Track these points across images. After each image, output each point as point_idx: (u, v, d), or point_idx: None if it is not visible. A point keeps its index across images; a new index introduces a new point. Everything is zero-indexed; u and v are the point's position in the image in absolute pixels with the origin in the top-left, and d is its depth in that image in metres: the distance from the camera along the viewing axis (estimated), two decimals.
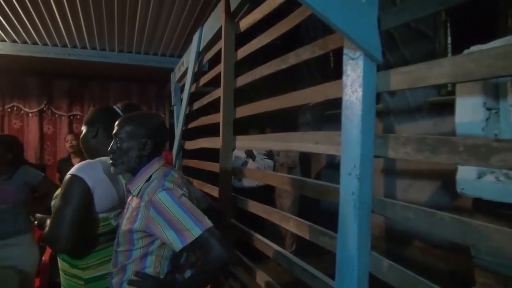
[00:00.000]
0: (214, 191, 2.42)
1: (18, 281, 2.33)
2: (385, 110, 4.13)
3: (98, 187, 1.45)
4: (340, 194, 1.12)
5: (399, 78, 1.02)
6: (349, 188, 1.08)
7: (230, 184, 2.23)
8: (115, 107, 1.77)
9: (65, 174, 1.48)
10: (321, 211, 4.48)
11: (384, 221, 3.89)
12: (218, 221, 1.31)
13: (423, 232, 3.39)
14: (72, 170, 1.46)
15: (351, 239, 1.07)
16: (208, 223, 1.22)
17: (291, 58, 1.58)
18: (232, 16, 2.12)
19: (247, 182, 4.33)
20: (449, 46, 3.57)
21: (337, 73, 1.18)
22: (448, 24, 3.57)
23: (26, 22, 2.96)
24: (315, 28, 5.33)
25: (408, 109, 3.90)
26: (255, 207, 1.91)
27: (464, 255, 2.99)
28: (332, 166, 5.22)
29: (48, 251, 3.07)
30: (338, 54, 1.22)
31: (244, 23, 2.05)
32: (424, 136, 0.94)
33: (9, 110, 4.59)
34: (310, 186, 1.45)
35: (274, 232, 4.37)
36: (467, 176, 1.50)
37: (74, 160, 4.14)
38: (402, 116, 3.99)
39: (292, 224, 1.54)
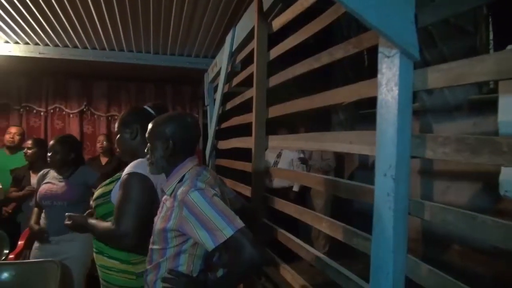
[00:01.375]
0: (246, 191, 2.43)
1: (60, 273, 2.44)
2: (422, 109, 4.01)
3: (159, 182, 1.49)
4: (374, 195, 1.10)
5: (438, 76, 0.98)
6: (384, 189, 1.05)
7: (262, 184, 2.23)
8: (146, 107, 1.80)
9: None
10: (354, 212, 4.40)
11: (420, 223, 3.78)
12: (251, 222, 1.32)
13: (463, 236, 3.27)
14: (130, 169, 1.50)
15: (386, 241, 1.05)
16: (240, 224, 1.22)
17: (324, 57, 1.56)
18: (264, 16, 2.12)
19: (279, 182, 4.32)
20: (491, 42, 3.41)
21: (371, 72, 1.16)
22: (490, 19, 3.41)
23: (68, 26, 3.09)
24: (349, 26, 5.24)
25: (447, 108, 3.76)
26: (288, 207, 1.90)
27: (507, 260, 2.86)
28: (366, 166, 5.12)
29: None
30: (372, 52, 1.19)
31: (277, 23, 2.05)
32: (464, 136, 0.90)
33: (51, 111, 4.80)
34: (343, 186, 1.43)
35: (306, 233, 4.34)
36: (511, 177, 1.42)
37: (102, 159, 4.31)
38: (440, 115, 3.85)
39: (325, 225, 1.52)
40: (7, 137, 3.95)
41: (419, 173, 4.00)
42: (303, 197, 4.47)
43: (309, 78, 1.88)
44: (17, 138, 3.96)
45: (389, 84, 1.05)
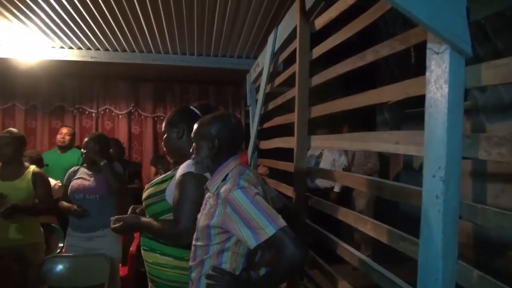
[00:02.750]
0: (288, 191, 2.42)
1: (109, 267, 2.56)
2: (474, 107, 3.81)
3: None
4: (422, 197, 1.06)
5: (492, 72, 0.93)
6: (433, 191, 1.01)
7: (305, 184, 2.22)
8: (192, 107, 1.83)
9: (160, 169, 1.58)
10: (398, 214, 4.27)
11: (472, 227, 3.59)
12: (293, 221, 1.31)
13: None
14: (184, 169, 1.55)
15: (435, 246, 1.01)
16: (282, 223, 1.22)
17: (369, 55, 1.53)
18: (307, 15, 2.10)
19: (321, 183, 4.27)
20: None
21: (418, 69, 1.12)
22: None
23: (117, 31, 3.23)
24: (394, 22, 5.08)
25: (501, 106, 3.54)
26: (330, 208, 1.87)
27: None
28: (412, 167, 4.94)
29: (135, 242, 3.31)
30: (420, 49, 1.15)
31: (320, 22, 2.02)
32: None
33: (102, 112, 5.04)
34: (388, 188, 1.38)
35: (349, 235, 4.26)
36: None
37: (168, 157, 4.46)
38: (494, 114, 3.64)
39: (369, 227, 1.48)
40: (59, 137, 4.21)
41: (470, 175, 3.81)
42: (344, 198, 4.39)
43: (352, 77, 1.84)
44: (67, 138, 4.21)
45: (438, 82, 1.01)
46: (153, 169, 4.56)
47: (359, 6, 1.62)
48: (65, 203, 2.77)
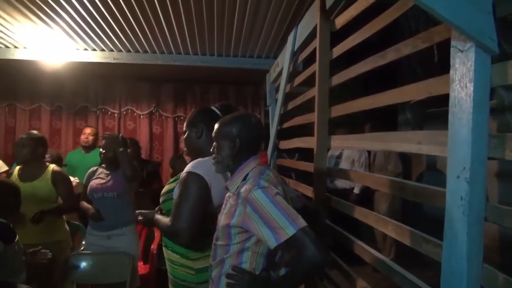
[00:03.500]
0: (308, 191, 2.41)
1: (130, 265, 2.61)
2: (500, 106, 3.69)
3: (214, 182, 1.55)
4: (446, 199, 1.04)
5: None
6: (457, 193, 0.99)
7: (324, 185, 2.20)
8: (213, 107, 1.85)
9: (177, 170, 1.61)
10: (423, 215, 4.18)
11: (497, 229, 3.48)
12: (313, 222, 1.30)
13: None
14: (188, 168, 1.57)
15: (459, 248, 0.98)
16: (302, 223, 1.22)
17: (390, 54, 1.50)
18: (327, 14, 2.09)
19: (340, 183, 4.23)
20: None
21: (442, 68, 1.09)
22: None
23: (139, 33, 3.28)
24: (417, 19, 4.98)
25: None
26: (351, 209, 1.85)
27: None
28: (435, 168, 4.84)
29: (156, 240, 3.36)
30: (443, 46, 1.12)
31: (340, 20, 2.00)
32: None
33: (124, 112, 5.14)
34: (411, 189, 1.36)
35: (370, 236, 4.20)
36: None
37: (187, 157, 4.49)
38: None
39: (391, 228, 1.46)
40: (83, 137, 4.31)
41: (496, 175, 3.70)
42: (364, 200, 4.32)
43: (371, 76, 1.81)
44: (91, 138, 4.30)
45: (462, 80, 0.98)
46: (171, 169, 4.59)
47: (380, 4, 1.59)
48: (85, 204, 2.84)
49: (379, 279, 2.30)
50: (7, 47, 3.71)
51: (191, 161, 1.66)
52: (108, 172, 2.85)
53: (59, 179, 2.75)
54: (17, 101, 4.90)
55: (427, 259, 1.20)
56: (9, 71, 4.42)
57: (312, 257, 1.17)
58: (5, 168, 3.68)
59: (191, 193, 1.51)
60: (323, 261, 1.20)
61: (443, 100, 1.05)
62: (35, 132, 2.88)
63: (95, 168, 2.96)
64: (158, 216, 1.70)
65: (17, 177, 2.69)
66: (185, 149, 1.88)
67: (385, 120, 4.46)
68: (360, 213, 1.75)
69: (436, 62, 4.87)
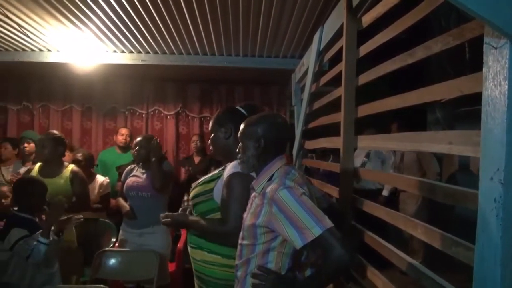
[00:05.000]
0: (333, 192, 2.38)
1: (157, 263, 2.66)
2: None
3: None
4: (479, 201, 1.00)
5: None
6: (491, 195, 0.95)
7: (351, 185, 2.17)
8: (239, 107, 1.84)
9: (187, 171, 1.61)
10: (454, 217, 4.06)
11: None
12: (339, 222, 1.29)
13: None
14: (232, 170, 1.58)
15: (492, 252, 0.95)
16: (329, 223, 1.20)
17: (420, 52, 1.46)
18: (353, 12, 2.06)
19: (368, 184, 4.16)
20: None
21: (473, 66, 1.06)
22: None
23: (166, 34, 3.34)
24: (447, 16, 4.84)
25: None
26: (378, 210, 1.82)
27: None
28: (468, 169, 4.69)
29: (182, 239, 3.41)
30: (475, 44, 1.08)
31: (367, 18, 1.97)
32: None
33: (151, 113, 5.23)
34: (441, 190, 1.32)
35: (398, 238, 4.11)
36: None
37: (195, 158, 4.56)
38: None
39: (420, 231, 1.42)
40: (120, 138, 4.46)
41: None
42: (393, 203, 4.23)
43: (399, 74, 1.77)
44: (128, 139, 4.46)
45: (496, 78, 0.94)
46: (181, 169, 4.66)
47: (409, 0, 1.56)
48: (121, 201, 2.91)
49: (407, 283, 2.25)
50: (41, 50, 3.85)
51: (200, 161, 1.66)
52: (144, 171, 2.91)
53: (77, 179, 2.85)
54: (50, 103, 5.07)
55: (459, 263, 1.17)
56: (43, 73, 4.60)
57: (338, 257, 1.16)
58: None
59: (239, 194, 1.52)
60: (349, 262, 1.19)
61: (474, 99, 1.02)
62: (53, 132, 2.99)
63: (132, 166, 3.03)
64: (195, 218, 1.69)
65: (37, 173, 2.80)
66: (210, 148, 1.87)
67: (413, 119, 4.36)
68: (388, 215, 1.72)
69: (468, 60, 4.72)
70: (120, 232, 3.00)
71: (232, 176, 1.56)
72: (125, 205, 2.88)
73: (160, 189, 2.81)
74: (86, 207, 3.05)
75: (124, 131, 4.53)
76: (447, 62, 5.00)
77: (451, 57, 4.83)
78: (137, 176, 2.91)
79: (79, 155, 3.54)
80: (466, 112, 4.54)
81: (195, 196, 1.75)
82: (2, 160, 4.07)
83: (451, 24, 4.62)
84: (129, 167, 3.06)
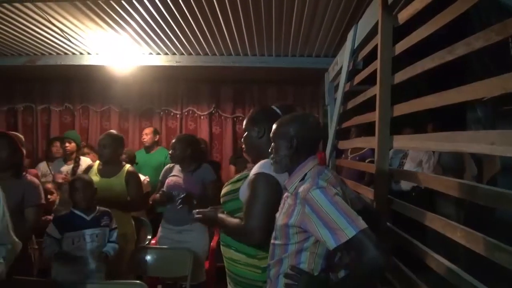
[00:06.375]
0: (368, 193, 2.34)
1: (192, 261, 2.70)
2: None
3: (283, 182, 1.55)
4: None
5: None
6: None
7: (387, 186, 2.12)
8: (274, 107, 1.82)
9: (239, 168, 1.62)
10: (495, 221, 3.87)
11: None
12: (374, 224, 1.26)
13: None
14: (257, 169, 1.58)
15: None
16: (363, 224, 1.18)
17: (460, 48, 1.41)
18: (389, 9, 2.01)
19: (405, 185, 4.05)
20: None
21: None
22: None
23: (199, 36, 3.39)
24: (489, 11, 4.63)
25: None
26: (415, 212, 1.77)
27: None
28: (511, 170, 4.46)
29: (215, 238, 3.44)
30: None
31: (404, 15, 1.92)
32: None
33: (186, 113, 5.34)
34: (483, 192, 1.26)
35: (437, 242, 3.97)
36: None
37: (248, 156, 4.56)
38: None
39: (460, 235, 1.37)
40: (144, 137, 4.61)
41: None
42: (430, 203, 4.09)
43: (436, 72, 1.71)
44: (151, 138, 4.56)
45: None
46: (232, 167, 4.70)
47: None
48: (156, 196, 2.98)
49: None
50: (81, 53, 4.02)
51: (252, 160, 1.66)
52: (181, 169, 2.97)
53: (132, 179, 2.92)
54: (90, 104, 5.28)
55: (502, 268, 1.11)
56: (83, 76, 4.79)
57: (372, 259, 1.14)
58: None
59: (262, 194, 1.52)
60: (384, 265, 1.16)
61: None
62: (114, 132, 3.08)
63: (172, 165, 3.10)
64: (223, 216, 1.71)
65: (96, 171, 2.91)
66: (243, 146, 1.87)
67: (449, 119, 4.20)
68: (425, 217, 1.66)
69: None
70: (160, 228, 3.07)
71: (256, 175, 1.56)
72: (159, 194, 2.95)
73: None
74: (140, 207, 3.15)
75: (147, 130, 4.63)
76: (489, 59, 4.78)
77: (493, 53, 4.61)
78: (176, 175, 2.98)
79: (124, 156, 3.68)
80: (509, 110, 4.32)
81: (224, 195, 1.77)
82: (53, 157, 4.28)
83: (492, 19, 4.41)
84: (168, 166, 3.13)
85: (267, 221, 1.47)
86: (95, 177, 2.83)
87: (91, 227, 2.39)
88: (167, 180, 2.98)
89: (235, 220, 1.62)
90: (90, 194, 2.43)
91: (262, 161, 1.61)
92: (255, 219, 1.48)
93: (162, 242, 2.99)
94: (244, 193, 1.61)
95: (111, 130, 3.20)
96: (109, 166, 2.92)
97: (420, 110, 1.74)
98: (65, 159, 4.06)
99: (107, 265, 2.41)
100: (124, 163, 3.04)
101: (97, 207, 2.48)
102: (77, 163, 3.85)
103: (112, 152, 2.89)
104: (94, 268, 2.35)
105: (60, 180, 3.57)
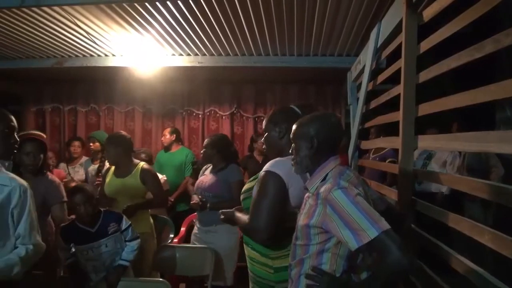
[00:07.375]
0: (392, 194, 2.30)
1: (213, 261, 2.72)
2: None
3: (292, 182, 1.55)
4: None
5: None
6: None
7: (410, 187, 2.08)
8: (293, 106, 1.82)
9: (251, 170, 1.64)
10: None
11: None
12: (397, 225, 1.24)
13: None
14: (266, 167, 1.59)
15: None
16: (386, 225, 1.16)
17: (488, 46, 1.36)
18: (413, 6, 1.97)
19: (429, 186, 3.96)
20: None
21: None
22: None
23: (221, 36, 3.41)
24: None
25: None
26: (440, 214, 1.72)
27: None
28: None
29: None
30: None
31: (429, 12, 1.88)
32: None
33: (208, 113, 5.38)
34: (510, 193, 1.22)
35: (463, 245, 3.86)
36: None
37: (258, 157, 4.53)
38: None
39: (488, 238, 1.33)
40: (162, 138, 4.66)
41: None
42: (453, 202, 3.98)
43: (465, 70, 1.67)
44: (169, 138, 4.59)
45: None
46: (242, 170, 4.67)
47: None
48: (194, 196, 3.02)
49: None
50: (106, 55, 4.10)
51: (264, 160, 1.67)
52: (213, 171, 2.99)
53: (148, 177, 2.89)
54: (114, 104, 5.40)
55: None
56: (108, 77, 4.89)
57: (395, 261, 1.12)
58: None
59: (269, 192, 1.52)
60: (407, 266, 1.14)
61: None
62: (113, 134, 3.15)
63: (208, 165, 3.11)
64: (238, 214, 1.74)
65: (113, 172, 2.95)
66: (263, 147, 1.88)
67: (474, 118, 4.07)
68: (451, 219, 1.62)
69: None
70: (194, 228, 3.12)
71: (264, 173, 1.56)
72: (194, 197, 2.99)
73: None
74: (163, 203, 3.19)
75: (165, 131, 4.69)
76: None
77: None
78: (205, 175, 3.02)
79: (143, 155, 3.74)
80: None
81: (242, 193, 1.81)
82: (71, 158, 4.40)
83: None
84: (205, 166, 3.16)
85: (272, 220, 1.47)
86: (111, 178, 2.89)
87: (98, 239, 2.27)
88: (198, 180, 3.03)
89: (244, 217, 1.63)
90: (91, 208, 2.26)
91: (273, 160, 1.62)
92: (259, 217, 1.49)
93: (193, 241, 3.04)
94: (255, 190, 1.62)
95: (113, 132, 3.23)
96: (121, 166, 2.92)
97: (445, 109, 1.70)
98: (92, 159, 4.18)
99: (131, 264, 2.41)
100: (137, 161, 3.00)
101: (101, 212, 2.36)
102: (102, 163, 3.93)
103: (115, 153, 2.86)
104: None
105: (96, 183, 3.65)
